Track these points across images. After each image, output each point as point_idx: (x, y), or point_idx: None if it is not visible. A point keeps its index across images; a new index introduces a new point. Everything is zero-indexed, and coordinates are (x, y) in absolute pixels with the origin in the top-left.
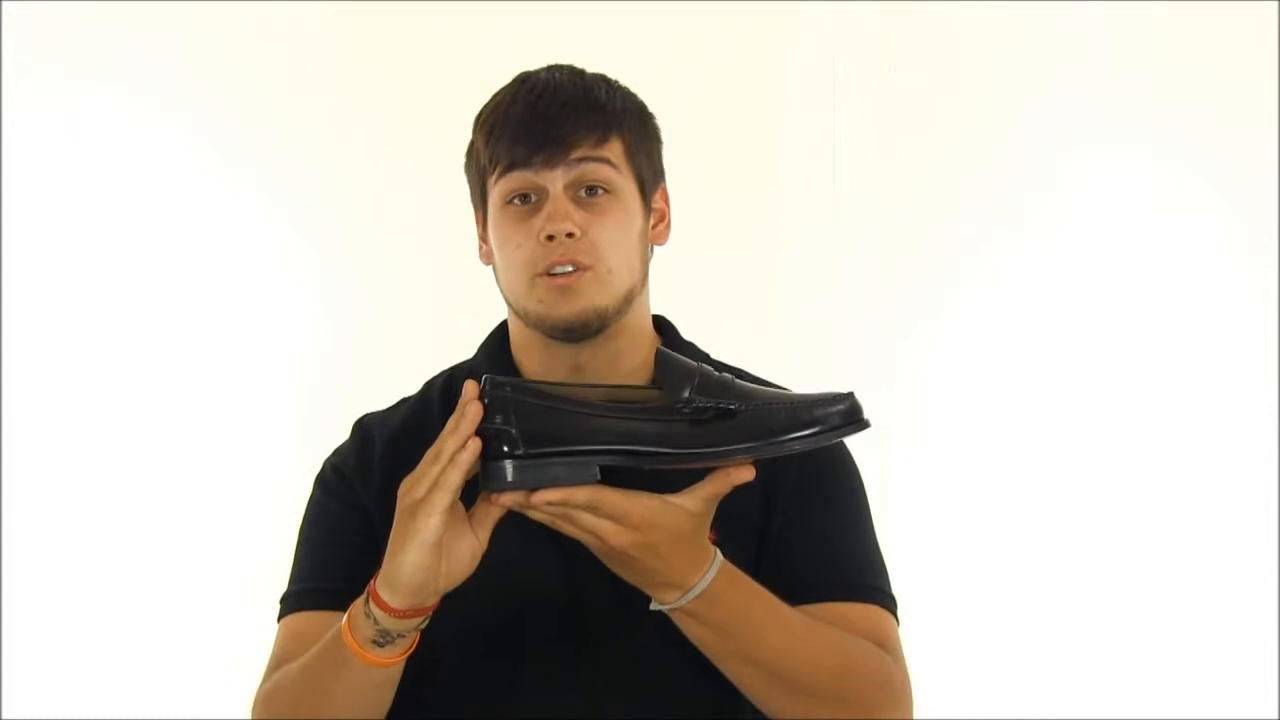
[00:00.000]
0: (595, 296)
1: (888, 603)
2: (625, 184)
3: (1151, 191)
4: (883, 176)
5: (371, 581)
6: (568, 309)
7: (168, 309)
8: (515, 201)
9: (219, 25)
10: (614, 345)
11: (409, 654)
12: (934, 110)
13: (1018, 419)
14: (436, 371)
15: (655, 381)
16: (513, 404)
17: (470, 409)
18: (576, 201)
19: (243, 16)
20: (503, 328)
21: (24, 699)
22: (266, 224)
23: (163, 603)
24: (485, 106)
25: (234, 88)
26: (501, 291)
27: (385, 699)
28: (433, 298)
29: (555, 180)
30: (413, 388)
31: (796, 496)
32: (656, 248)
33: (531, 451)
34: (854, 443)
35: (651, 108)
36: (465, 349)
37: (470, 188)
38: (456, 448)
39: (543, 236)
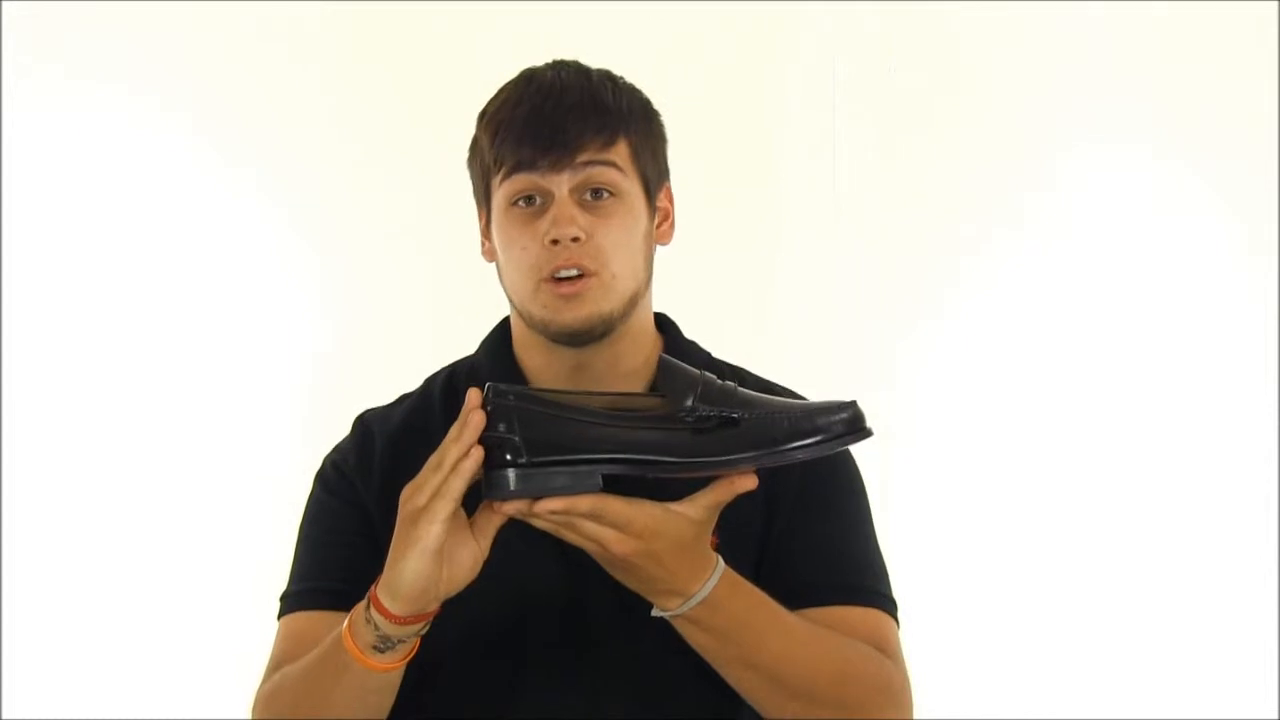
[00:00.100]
0: (600, 302)
1: (888, 606)
2: (631, 186)
3: (1151, 191)
4: (883, 176)
5: (372, 587)
6: (572, 315)
7: (168, 309)
8: (520, 203)
9: (219, 25)
10: (617, 347)
11: (409, 659)
12: (934, 110)
13: (1018, 419)
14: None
15: (657, 387)
16: (516, 412)
17: (473, 417)
18: (582, 205)
19: (243, 16)
20: (505, 325)
21: (24, 699)
22: (266, 224)
23: (163, 602)
24: (490, 103)
25: (234, 88)
26: (505, 291)
27: (385, 703)
28: (433, 298)
29: (561, 184)
30: (413, 388)
31: (798, 501)
32: (658, 247)
33: (534, 460)
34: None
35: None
36: (465, 349)
37: (473, 184)
38: (459, 456)
39: (548, 241)
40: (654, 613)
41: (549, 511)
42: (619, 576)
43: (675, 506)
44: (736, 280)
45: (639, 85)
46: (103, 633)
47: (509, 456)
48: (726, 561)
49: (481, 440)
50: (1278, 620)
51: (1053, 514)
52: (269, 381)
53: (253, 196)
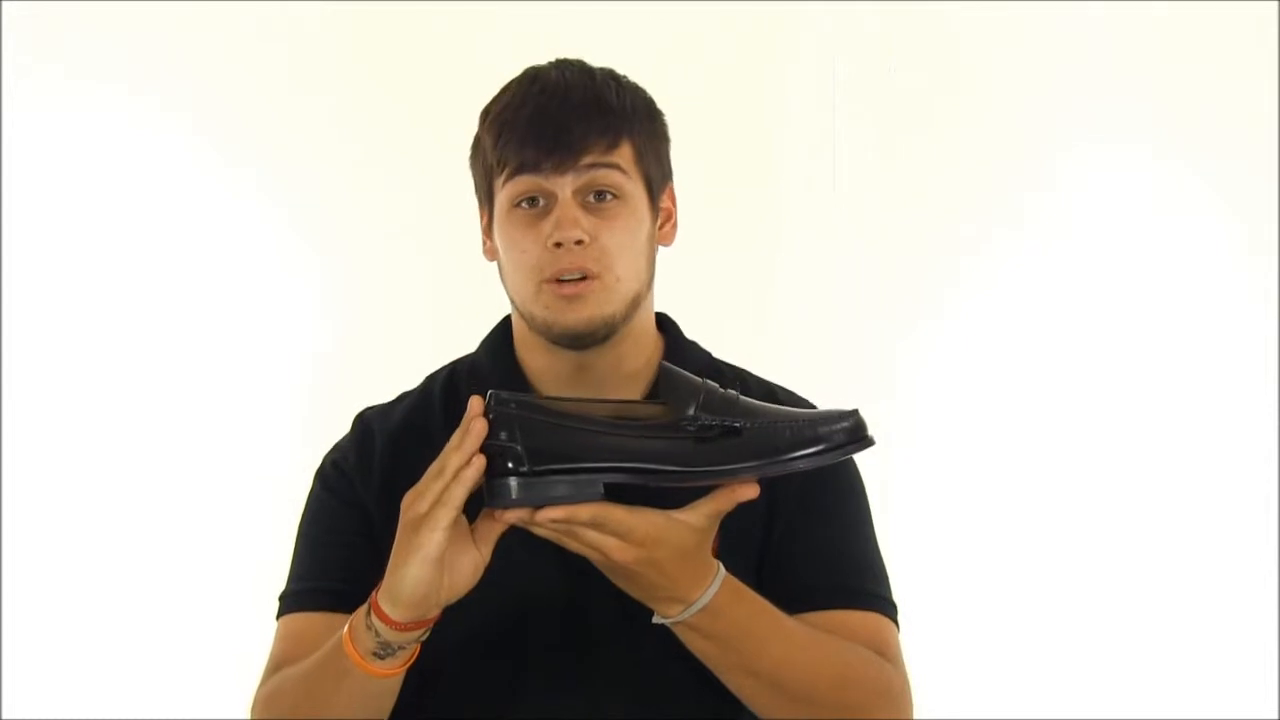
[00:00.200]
0: (603, 304)
1: (888, 609)
2: (634, 188)
3: (1151, 191)
4: (883, 176)
5: (373, 593)
6: (575, 318)
7: (168, 309)
8: (523, 205)
9: (219, 25)
10: (619, 349)
11: (410, 664)
12: (934, 110)
13: (1018, 419)
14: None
15: (659, 395)
16: (518, 421)
17: (475, 425)
18: (585, 207)
19: (243, 16)
20: (506, 324)
21: (24, 699)
22: (266, 224)
23: (163, 602)
24: (493, 102)
25: (234, 88)
26: (506, 291)
27: (386, 706)
28: (433, 298)
29: (564, 186)
30: (412, 387)
31: (799, 504)
32: (660, 248)
33: (536, 469)
34: None
35: None
36: (465, 348)
37: (475, 183)
38: (461, 464)
39: (551, 243)
40: (655, 620)
41: (550, 520)
42: (620, 584)
43: (677, 514)
44: (736, 280)
45: (639, 85)
46: (103, 633)
47: (511, 465)
48: (727, 566)
49: (483, 448)
50: (1278, 620)
51: (1052, 513)
52: (269, 381)
53: (253, 196)
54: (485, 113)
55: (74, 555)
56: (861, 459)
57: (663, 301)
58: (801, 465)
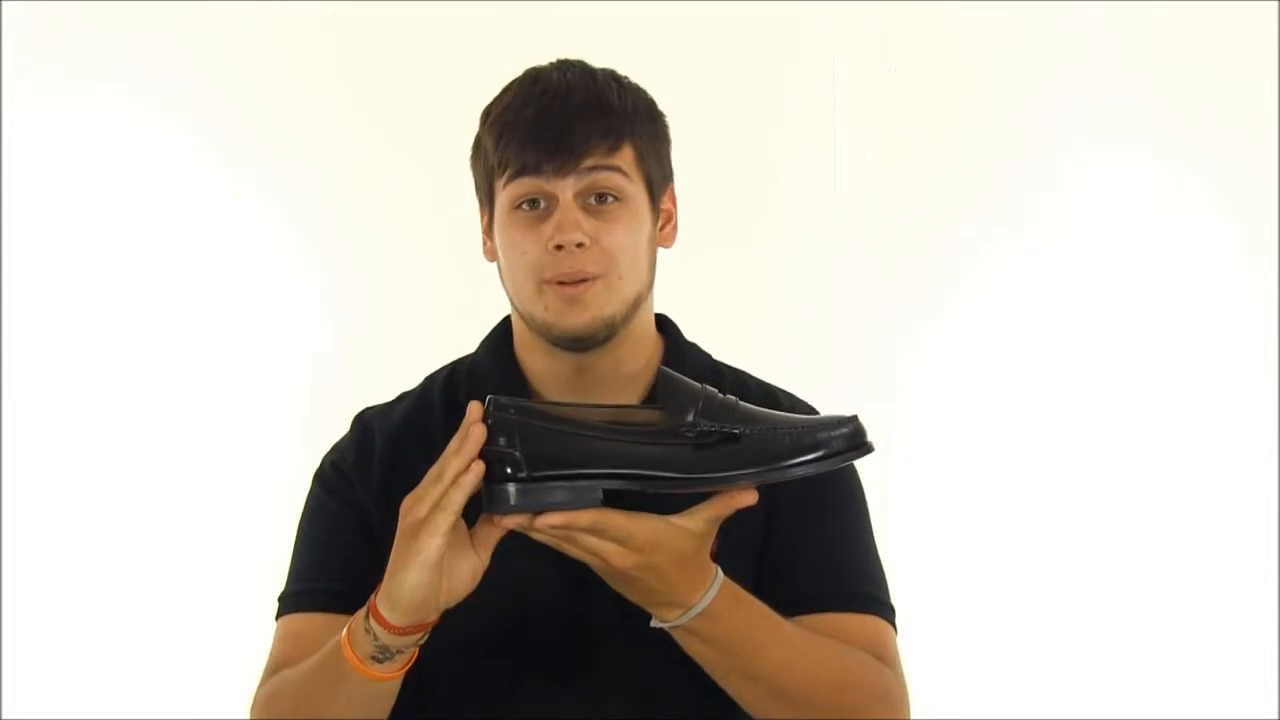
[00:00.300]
0: (604, 306)
1: (886, 613)
2: (635, 190)
3: (1151, 191)
4: (883, 176)
5: (372, 597)
6: (576, 319)
7: (168, 309)
8: (524, 207)
9: (219, 25)
10: (619, 350)
11: (408, 667)
12: (934, 110)
13: (1018, 419)
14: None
15: (656, 397)
16: (517, 426)
17: (474, 431)
18: (586, 209)
19: (243, 16)
20: (505, 325)
21: (24, 699)
22: (266, 224)
23: (163, 602)
24: (494, 103)
25: (234, 88)
26: (506, 292)
27: (385, 708)
28: (433, 298)
29: (566, 188)
30: (412, 387)
31: (797, 508)
32: (660, 249)
33: (535, 475)
34: None
35: None
36: (465, 348)
37: (475, 183)
38: (459, 470)
39: (551, 245)
40: (654, 624)
41: (550, 526)
42: (619, 589)
43: (676, 520)
44: (736, 280)
45: (640, 86)
46: (103, 633)
47: (509, 471)
48: (726, 570)
49: (482, 454)
50: (1278, 620)
51: (1053, 513)
52: (269, 381)
53: (253, 196)
54: (486, 113)
55: (74, 555)
56: (861, 461)
57: (663, 302)
58: (800, 472)
